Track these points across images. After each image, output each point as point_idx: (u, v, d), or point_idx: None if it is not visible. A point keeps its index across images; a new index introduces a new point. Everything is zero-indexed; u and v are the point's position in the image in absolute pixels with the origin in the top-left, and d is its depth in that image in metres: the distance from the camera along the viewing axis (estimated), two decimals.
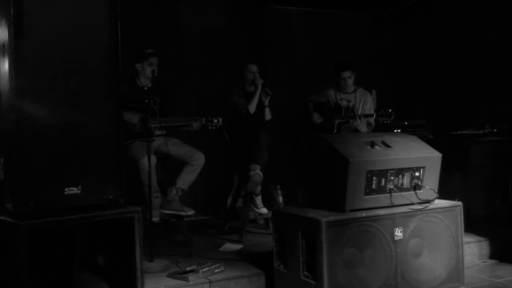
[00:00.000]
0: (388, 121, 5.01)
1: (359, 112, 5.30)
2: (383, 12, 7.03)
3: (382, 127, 5.22)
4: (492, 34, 5.67)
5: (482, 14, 5.77)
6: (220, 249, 4.41)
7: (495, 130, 5.26)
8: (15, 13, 2.75)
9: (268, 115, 5.12)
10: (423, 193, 3.56)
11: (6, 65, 2.83)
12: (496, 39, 5.61)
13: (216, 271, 3.61)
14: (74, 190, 2.91)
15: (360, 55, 6.70)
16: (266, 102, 5.07)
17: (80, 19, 2.97)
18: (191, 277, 3.45)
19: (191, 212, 4.51)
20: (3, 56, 2.87)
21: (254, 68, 5.13)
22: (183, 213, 4.43)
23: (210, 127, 4.48)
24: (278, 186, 5.34)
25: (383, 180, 3.42)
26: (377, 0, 6.79)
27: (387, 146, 3.57)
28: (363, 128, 5.16)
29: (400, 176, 3.49)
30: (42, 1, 2.84)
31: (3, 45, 2.86)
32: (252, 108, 5.04)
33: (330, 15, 6.92)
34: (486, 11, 5.73)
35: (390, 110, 4.98)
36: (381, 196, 3.43)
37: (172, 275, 3.56)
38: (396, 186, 3.47)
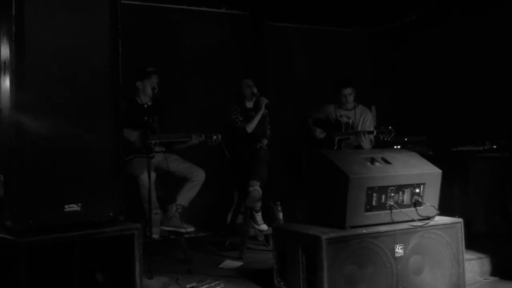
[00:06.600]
0: (389, 138, 4.99)
1: (359, 129, 5.30)
2: (381, 29, 7.07)
3: (381, 143, 5.21)
4: (490, 51, 5.70)
5: (480, 32, 5.81)
6: (220, 266, 4.39)
7: (494, 147, 5.25)
8: (17, 31, 2.77)
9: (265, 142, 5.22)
10: (423, 210, 3.55)
11: (7, 82, 2.84)
12: (495, 56, 5.64)
13: None
14: (74, 207, 2.91)
15: (359, 71, 6.72)
16: (268, 134, 5.22)
17: (81, 36, 2.98)
18: None
19: (191, 229, 4.49)
20: (4, 73, 2.88)
21: (250, 82, 5.20)
22: (183, 230, 4.42)
23: (209, 144, 4.49)
24: (278, 203, 5.32)
25: (383, 196, 3.42)
26: (374, 17, 6.83)
27: (387, 162, 3.57)
28: (366, 144, 5.14)
29: (400, 192, 3.49)
30: (44, 19, 2.86)
31: (5, 62, 2.87)
32: (250, 128, 5.06)
33: (328, 32, 6.96)
34: (484, 28, 5.77)
35: (390, 127, 4.97)
36: (382, 212, 3.43)
37: None
38: (396, 202, 3.47)
